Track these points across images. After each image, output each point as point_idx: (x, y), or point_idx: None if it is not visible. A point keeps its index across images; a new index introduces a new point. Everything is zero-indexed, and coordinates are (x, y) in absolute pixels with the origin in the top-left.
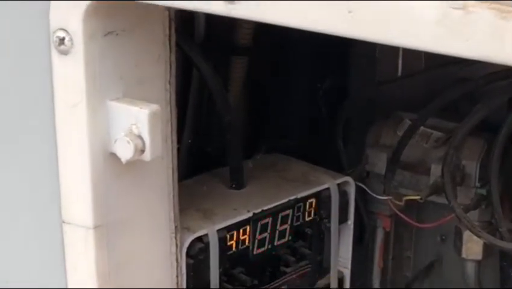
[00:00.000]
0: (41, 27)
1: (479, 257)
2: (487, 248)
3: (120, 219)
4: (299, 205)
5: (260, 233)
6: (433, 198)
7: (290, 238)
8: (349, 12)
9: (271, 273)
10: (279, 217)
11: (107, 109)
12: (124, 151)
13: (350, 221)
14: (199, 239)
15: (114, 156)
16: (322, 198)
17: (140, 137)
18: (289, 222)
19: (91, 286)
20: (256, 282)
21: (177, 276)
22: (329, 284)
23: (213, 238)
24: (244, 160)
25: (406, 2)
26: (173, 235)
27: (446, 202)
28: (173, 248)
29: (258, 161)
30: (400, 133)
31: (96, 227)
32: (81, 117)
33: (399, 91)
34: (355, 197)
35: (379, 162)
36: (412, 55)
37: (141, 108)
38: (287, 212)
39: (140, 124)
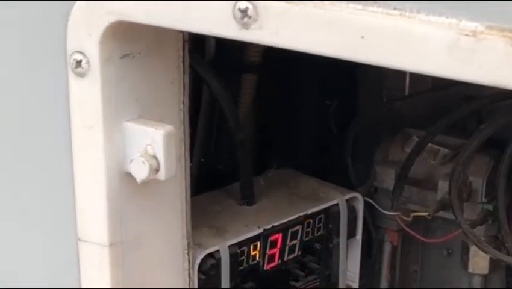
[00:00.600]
0: (59, 49)
1: (486, 271)
2: (493, 263)
3: (134, 237)
4: (308, 220)
5: (270, 249)
6: (440, 213)
7: (299, 253)
8: (362, 37)
9: (281, 288)
10: (289, 232)
11: (123, 130)
12: (140, 171)
13: (359, 236)
14: (211, 255)
15: (129, 175)
16: (331, 213)
17: (155, 157)
18: (299, 237)
19: None
20: None
21: None
22: None
23: (224, 254)
24: (255, 176)
25: (418, 27)
26: (186, 251)
27: (453, 217)
28: (186, 264)
29: (269, 177)
30: (408, 150)
31: (111, 245)
32: (97, 138)
33: (407, 108)
34: (363, 213)
35: (387, 178)
36: (419, 74)
37: (156, 128)
38: (297, 227)
39: (155, 144)
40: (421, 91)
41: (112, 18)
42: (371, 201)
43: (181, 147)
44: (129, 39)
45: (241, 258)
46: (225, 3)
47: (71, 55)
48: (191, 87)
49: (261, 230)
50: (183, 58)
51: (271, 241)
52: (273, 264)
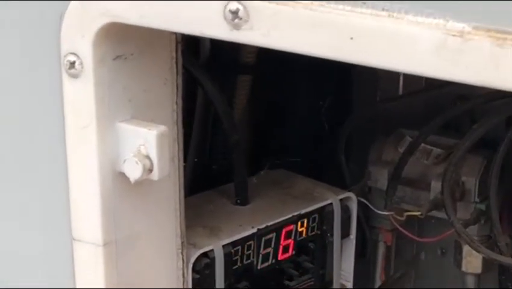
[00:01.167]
0: (52, 51)
1: (479, 271)
2: (487, 262)
3: (128, 236)
4: (302, 220)
5: (264, 248)
6: (433, 213)
7: (293, 252)
8: (351, 38)
9: (275, 287)
10: (283, 232)
11: (116, 131)
12: (133, 171)
13: (353, 236)
14: (205, 254)
15: (122, 175)
16: (325, 213)
17: (148, 157)
18: (292, 237)
19: None
20: None
21: None
22: None
23: (219, 253)
24: (249, 176)
25: (406, 28)
26: (180, 250)
27: (446, 217)
28: (180, 264)
29: (262, 177)
30: (401, 150)
31: (105, 245)
32: (91, 138)
33: (400, 108)
34: (357, 212)
35: (380, 178)
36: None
37: (149, 129)
38: (291, 227)
39: (148, 144)
40: (414, 91)
41: (106, 20)
42: (365, 201)
43: (175, 147)
44: (122, 40)
45: (235, 258)
46: (216, 4)
47: (65, 56)
48: (186, 88)
49: (255, 230)
50: (176, 59)
51: (265, 241)
52: (267, 264)
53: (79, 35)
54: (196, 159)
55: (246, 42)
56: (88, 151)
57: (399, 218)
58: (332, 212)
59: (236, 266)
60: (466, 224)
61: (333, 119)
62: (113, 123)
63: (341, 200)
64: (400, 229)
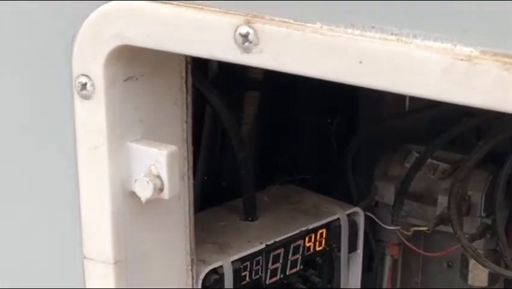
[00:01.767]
0: (65, 72)
1: (485, 284)
2: (493, 276)
3: (139, 254)
4: (310, 235)
5: (273, 264)
6: (440, 227)
7: (301, 267)
8: (360, 62)
9: None
10: (291, 247)
11: (127, 151)
12: (144, 190)
13: (360, 250)
14: (214, 271)
15: (133, 194)
16: (332, 228)
17: (159, 177)
18: (300, 252)
19: None
20: None
21: None
22: None
23: (228, 269)
24: (258, 192)
25: (415, 52)
26: (189, 267)
27: (452, 231)
28: (189, 280)
29: (271, 193)
30: (408, 165)
31: (116, 263)
32: (102, 158)
33: (407, 124)
34: (364, 227)
35: (387, 193)
36: None
37: (159, 149)
38: (299, 242)
39: (158, 164)
40: (420, 108)
41: (117, 42)
42: (372, 215)
43: (184, 165)
44: (132, 62)
45: (244, 273)
46: (227, 28)
47: (76, 77)
48: (195, 104)
49: (263, 246)
50: (186, 79)
51: (273, 256)
52: (275, 279)
53: (90, 57)
54: (205, 177)
55: (256, 65)
56: (99, 171)
57: (405, 232)
58: (340, 227)
59: (245, 281)
60: (472, 239)
61: (341, 136)
62: (124, 143)
63: (348, 215)
64: (407, 243)
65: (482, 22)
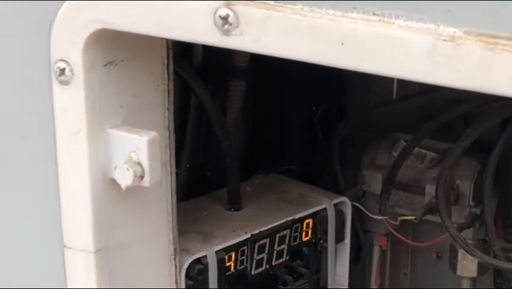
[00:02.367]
0: (43, 57)
1: (474, 274)
2: (482, 266)
3: (120, 243)
4: (296, 225)
5: (258, 254)
6: (428, 217)
7: (287, 257)
8: (342, 44)
9: None
10: (277, 237)
11: (107, 137)
12: (124, 177)
13: (347, 240)
14: (198, 260)
15: (113, 182)
16: (319, 218)
17: (139, 164)
18: (286, 242)
19: None
20: None
21: None
22: None
23: (212, 259)
24: (243, 182)
25: (397, 33)
26: (172, 257)
27: (441, 221)
28: (172, 270)
29: (256, 183)
30: (395, 154)
31: (97, 252)
32: (82, 144)
33: (394, 112)
34: (351, 217)
35: (375, 182)
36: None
37: (140, 135)
38: (284, 232)
39: (139, 151)
40: (408, 96)
41: (96, 26)
42: (359, 205)
43: (166, 153)
44: (112, 47)
45: (229, 263)
46: (206, 10)
47: (55, 63)
48: (180, 94)
49: (248, 236)
50: (167, 64)
51: (258, 246)
52: (261, 269)
53: (69, 42)
54: (188, 165)
55: (237, 48)
56: (79, 157)
57: (393, 222)
58: (326, 217)
59: (230, 272)
60: (461, 228)
61: (327, 124)
62: (104, 129)
63: (335, 204)
64: (395, 233)
65: (465, 2)
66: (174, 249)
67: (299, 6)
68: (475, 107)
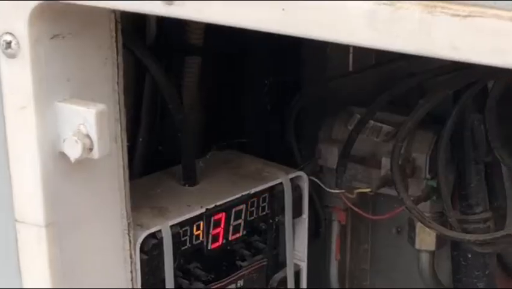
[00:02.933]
0: None
1: (432, 248)
2: (440, 239)
3: (72, 217)
4: (252, 200)
5: (214, 229)
6: (386, 191)
7: (244, 232)
8: (283, 9)
9: (227, 268)
10: (233, 212)
11: (55, 110)
12: (73, 150)
13: (305, 215)
14: (153, 235)
15: (63, 155)
16: (275, 193)
17: (88, 136)
18: (243, 217)
19: (45, 286)
20: (212, 276)
21: (131, 272)
22: (285, 277)
23: (166, 233)
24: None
25: None
26: (126, 231)
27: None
28: (127, 245)
29: (211, 159)
30: (350, 127)
31: (48, 225)
32: (30, 118)
33: (350, 86)
34: (309, 192)
35: (331, 156)
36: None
37: (88, 108)
38: (240, 207)
39: (87, 123)
40: (363, 68)
41: None
42: (316, 179)
43: (117, 127)
44: (58, 19)
45: (184, 238)
46: None
47: (1, 36)
48: (135, 69)
49: (203, 210)
50: (116, 38)
51: (214, 221)
52: (217, 244)
53: (14, 15)
54: (141, 139)
55: (180, 17)
56: (27, 131)
57: (350, 196)
58: (283, 191)
59: (185, 246)
60: (417, 201)
61: (283, 98)
62: (52, 103)
63: (291, 179)
64: (352, 207)
65: None
66: (128, 224)
67: None
68: (428, 79)
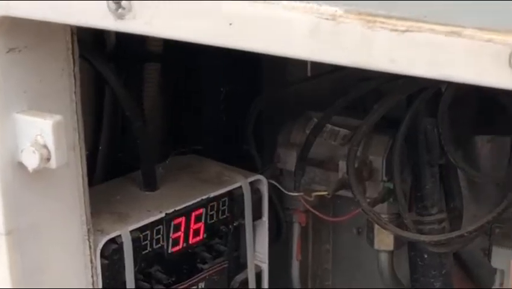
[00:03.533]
0: None
1: (391, 248)
2: (398, 240)
3: (31, 224)
4: (212, 203)
5: (174, 233)
6: (345, 193)
7: (205, 236)
8: (230, 24)
9: (188, 270)
10: (193, 216)
11: (13, 122)
12: (31, 160)
13: (265, 218)
14: (113, 240)
15: (22, 165)
16: (235, 196)
17: (45, 146)
18: (203, 220)
19: None
20: (173, 279)
21: (92, 276)
22: (247, 278)
23: (126, 238)
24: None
25: (282, 13)
26: (86, 237)
27: None
28: (87, 250)
29: (171, 164)
30: (308, 131)
31: (8, 234)
32: None
33: (310, 91)
34: (269, 194)
35: (290, 159)
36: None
37: (44, 119)
38: (200, 211)
39: (44, 134)
40: (321, 73)
41: None
42: (276, 183)
43: (75, 136)
44: (14, 33)
45: (145, 242)
46: None
47: None
48: (96, 78)
49: (163, 215)
50: (72, 49)
51: (174, 225)
52: (178, 248)
53: None
54: (100, 148)
55: (131, 31)
56: None
57: (308, 198)
58: (242, 195)
59: (146, 251)
60: (374, 203)
61: (242, 103)
62: (10, 114)
63: (251, 183)
64: (311, 209)
65: None
66: (88, 230)
67: None
68: (382, 83)
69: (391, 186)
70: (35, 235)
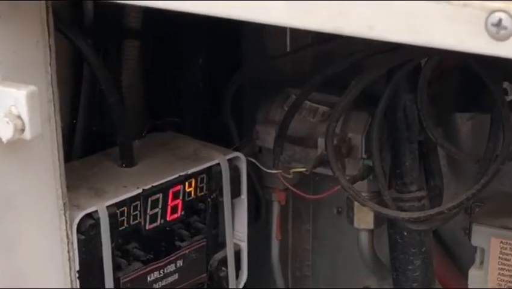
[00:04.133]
0: None
1: (371, 226)
2: (378, 217)
3: (6, 197)
4: (189, 180)
5: (151, 209)
6: (326, 171)
7: (182, 213)
8: None
9: (166, 248)
10: (170, 192)
11: None
12: (4, 131)
13: (244, 196)
14: (89, 215)
15: None
16: (213, 173)
17: (19, 117)
18: (180, 197)
19: None
20: (151, 256)
21: (68, 252)
22: (225, 257)
23: (103, 214)
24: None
25: None
26: (62, 212)
27: None
28: (63, 225)
29: (149, 140)
30: (287, 108)
31: None
32: None
33: (289, 67)
34: (248, 172)
35: (268, 137)
36: (300, 31)
37: (18, 89)
38: (178, 187)
39: (18, 104)
40: (300, 47)
41: None
42: (254, 160)
43: (50, 108)
44: None
45: (122, 218)
46: None
47: None
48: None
49: (140, 190)
50: (47, 20)
51: (151, 201)
52: (155, 224)
53: None
54: (74, 121)
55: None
56: None
57: (287, 176)
58: (220, 172)
59: (123, 227)
60: (354, 180)
61: (221, 79)
62: None
63: (229, 160)
64: (290, 187)
65: None
66: (64, 204)
67: None
68: (361, 59)
69: (371, 163)
70: (10, 208)
